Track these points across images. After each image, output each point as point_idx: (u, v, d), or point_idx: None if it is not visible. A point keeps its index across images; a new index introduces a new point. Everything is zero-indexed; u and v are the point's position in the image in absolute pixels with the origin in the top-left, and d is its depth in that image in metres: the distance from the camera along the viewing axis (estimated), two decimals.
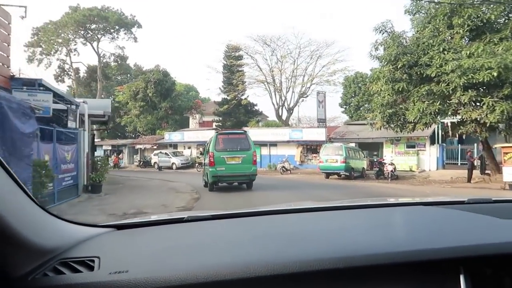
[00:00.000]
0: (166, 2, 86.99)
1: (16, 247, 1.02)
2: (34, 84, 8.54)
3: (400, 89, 15.96)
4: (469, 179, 18.34)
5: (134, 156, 40.60)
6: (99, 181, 13.23)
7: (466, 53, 14.60)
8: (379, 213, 1.87)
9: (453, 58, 14.45)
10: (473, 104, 15.39)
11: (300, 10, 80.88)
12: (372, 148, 27.32)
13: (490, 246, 1.17)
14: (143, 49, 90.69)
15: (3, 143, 5.71)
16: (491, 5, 15.28)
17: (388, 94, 16.55)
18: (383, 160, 22.47)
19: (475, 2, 15.72)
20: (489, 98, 14.43)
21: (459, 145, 24.85)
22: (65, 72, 50.81)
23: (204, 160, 15.66)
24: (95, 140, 43.83)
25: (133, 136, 45.93)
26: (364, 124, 30.09)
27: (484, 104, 14.54)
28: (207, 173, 14.34)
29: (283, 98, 40.21)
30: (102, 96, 50.39)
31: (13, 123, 5.96)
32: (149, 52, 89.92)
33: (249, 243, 1.33)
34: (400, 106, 16.87)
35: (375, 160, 23.97)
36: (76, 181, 12.35)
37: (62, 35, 46.38)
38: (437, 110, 15.48)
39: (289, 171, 25.78)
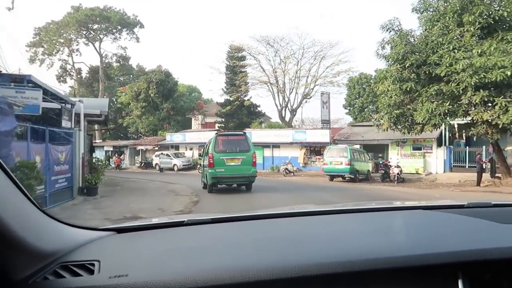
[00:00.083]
0: (168, 2, 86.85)
1: (16, 250, 1.02)
2: (22, 81, 8.06)
3: (408, 89, 15.37)
4: (479, 182, 17.78)
5: (136, 157, 40.20)
6: (95, 183, 12.73)
7: (477, 52, 14.03)
8: (379, 217, 1.86)
9: (463, 57, 13.86)
10: (485, 104, 14.78)
11: (304, 10, 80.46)
12: (377, 150, 26.75)
13: (489, 251, 1.17)
14: (145, 50, 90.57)
15: None
16: (503, 2, 14.69)
17: (396, 94, 15.96)
18: (389, 162, 21.96)
19: None
20: (502, 98, 13.85)
21: (467, 147, 24.23)
22: (67, 73, 50.59)
23: (203, 162, 15.57)
24: (97, 141, 43.93)
25: (136, 137, 45.56)
26: (369, 125, 29.58)
27: (496, 104, 13.97)
28: (206, 175, 14.23)
29: (286, 99, 39.84)
30: (104, 96, 50.11)
31: None
32: (151, 53, 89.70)
33: (249, 247, 1.33)
34: (408, 106, 16.29)
35: (381, 162, 23.42)
36: (71, 183, 11.86)
37: (64, 35, 46.11)
38: (446, 111, 14.89)
39: (292, 173, 25.33)
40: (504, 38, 14.35)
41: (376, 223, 1.68)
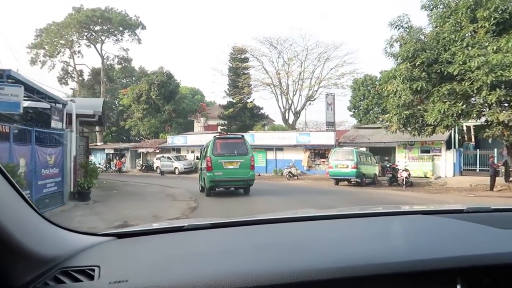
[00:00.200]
0: (170, 3, 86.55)
1: (16, 256, 1.02)
2: (1, 76, 7.36)
3: (418, 89, 14.57)
4: (492, 187, 17.01)
5: (137, 160, 39.53)
6: (88, 188, 12.01)
7: (493, 49, 13.20)
8: (379, 222, 1.86)
9: (478, 54, 13.07)
10: (501, 104, 13.96)
11: (307, 10, 79.86)
12: (383, 153, 25.94)
13: (488, 257, 1.17)
14: (148, 52, 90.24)
15: None
16: None
17: (405, 94, 15.16)
18: (397, 165, 21.16)
19: None
20: None
21: (478, 150, 23.39)
22: (69, 75, 50.14)
23: (201, 165, 15.43)
24: (98, 143, 43.39)
25: (138, 140, 44.96)
26: (375, 127, 28.88)
27: None
28: (204, 178, 14.17)
29: (290, 102, 39.26)
30: (106, 98, 49.61)
31: None
32: (154, 56, 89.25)
33: (249, 252, 1.33)
34: (418, 107, 15.48)
35: (388, 165, 22.61)
36: (61, 188, 11.16)
37: (65, 36, 45.63)
38: (460, 112, 14.08)
39: (296, 177, 24.59)
40: None
41: (375, 228, 1.69)
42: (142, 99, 41.20)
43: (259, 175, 27.17)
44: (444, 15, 15.68)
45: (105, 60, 48.48)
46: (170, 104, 41.18)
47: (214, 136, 14.80)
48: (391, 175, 20.12)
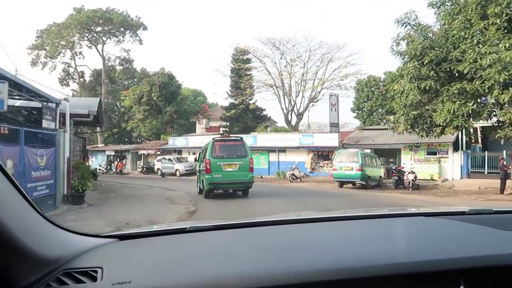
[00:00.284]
0: (172, 3, 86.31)
1: (19, 258, 1.02)
2: None
3: (426, 88, 14.00)
4: (502, 190, 16.42)
5: (138, 162, 39.05)
6: (82, 191, 11.50)
7: (505, 46, 12.65)
8: (380, 223, 1.87)
9: (490, 51, 12.50)
10: None
11: (310, 11, 79.40)
12: (388, 154, 25.37)
13: (491, 258, 1.18)
14: (150, 54, 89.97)
15: None
16: None
17: (413, 94, 14.59)
18: (403, 168, 20.58)
19: None
20: None
21: (486, 152, 22.77)
22: (70, 76, 49.80)
23: (200, 167, 15.28)
24: (99, 145, 42.98)
25: (139, 141, 44.52)
26: (380, 129, 28.34)
27: None
28: (202, 180, 14.10)
29: (293, 103, 38.77)
30: (107, 100, 49.25)
31: None
32: (156, 57, 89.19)
33: (250, 254, 1.34)
34: (427, 107, 14.90)
35: (393, 168, 22.06)
36: (54, 191, 10.66)
37: (66, 37, 45.29)
38: (470, 112, 13.49)
39: (299, 179, 24.06)
40: None
41: (377, 230, 1.68)
42: (143, 100, 40.76)
43: (262, 177, 26.67)
44: (453, 12, 15.12)
45: (106, 61, 48.13)
46: (171, 105, 40.73)
47: (213, 138, 14.67)
48: (397, 178, 19.55)
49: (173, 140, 36.47)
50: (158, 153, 36.23)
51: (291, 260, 1.21)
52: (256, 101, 39.58)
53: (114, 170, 36.65)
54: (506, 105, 13.29)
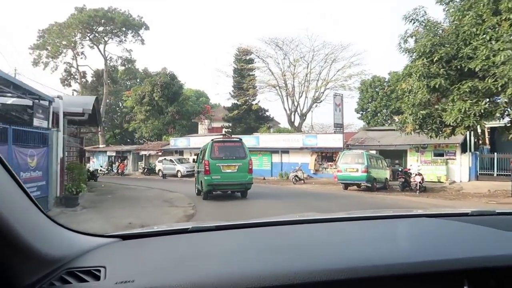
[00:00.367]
0: (174, 3, 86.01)
1: (23, 257, 1.02)
2: None
3: (436, 86, 13.41)
4: None
5: (139, 162, 38.62)
6: (76, 192, 11.00)
7: None
8: (384, 224, 1.85)
9: (504, 48, 11.92)
10: None
11: (314, 11, 78.87)
12: (394, 156, 24.79)
13: (494, 258, 1.17)
14: (152, 55, 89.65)
15: None
16: None
17: (422, 92, 14.00)
18: (409, 169, 19.99)
19: None
20: None
21: (495, 153, 22.14)
22: (72, 76, 49.48)
23: (198, 168, 15.07)
24: (100, 145, 42.57)
25: (141, 142, 44.11)
26: (385, 129, 27.77)
27: None
28: (201, 181, 13.97)
29: (296, 104, 38.25)
30: (109, 100, 48.92)
31: None
32: (158, 57, 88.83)
33: (253, 254, 1.34)
34: (436, 106, 14.30)
35: (399, 169, 21.47)
36: (45, 193, 10.16)
37: (68, 37, 44.95)
38: (482, 111, 12.90)
39: (302, 181, 23.52)
40: None
41: (380, 231, 1.67)
42: (145, 101, 40.33)
43: (264, 178, 26.16)
44: (463, 8, 14.53)
45: (108, 62, 47.75)
46: (173, 106, 40.28)
47: (212, 139, 14.45)
48: (403, 180, 18.99)
49: (175, 141, 36.04)
50: (160, 154, 35.78)
51: (294, 260, 1.21)
52: (259, 101, 39.28)
53: (116, 171, 36.27)
54: None
